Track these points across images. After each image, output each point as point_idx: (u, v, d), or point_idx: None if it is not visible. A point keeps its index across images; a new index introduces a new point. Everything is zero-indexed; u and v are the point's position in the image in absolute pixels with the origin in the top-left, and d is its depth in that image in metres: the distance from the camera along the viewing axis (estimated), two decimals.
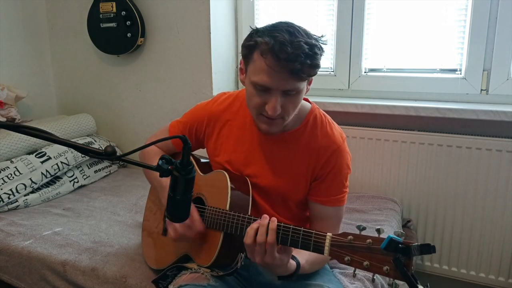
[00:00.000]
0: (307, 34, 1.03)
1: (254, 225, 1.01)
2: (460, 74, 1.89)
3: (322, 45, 1.06)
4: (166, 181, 1.26)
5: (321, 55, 1.04)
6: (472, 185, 1.82)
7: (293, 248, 1.01)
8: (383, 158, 1.96)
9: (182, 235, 1.15)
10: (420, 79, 1.96)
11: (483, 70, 1.82)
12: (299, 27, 1.04)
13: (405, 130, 1.92)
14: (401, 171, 1.94)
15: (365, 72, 2.07)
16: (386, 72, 2.03)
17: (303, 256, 1.09)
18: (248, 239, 1.00)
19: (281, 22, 1.06)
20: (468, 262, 1.90)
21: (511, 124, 1.73)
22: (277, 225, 0.99)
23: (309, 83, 1.12)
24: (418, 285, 0.79)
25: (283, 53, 0.98)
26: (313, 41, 1.02)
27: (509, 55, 1.77)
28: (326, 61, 2.12)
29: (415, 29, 1.92)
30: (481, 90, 1.84)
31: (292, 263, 1.04)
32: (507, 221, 1.79)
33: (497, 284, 1.86)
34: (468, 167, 1.81)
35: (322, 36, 1.07)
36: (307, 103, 1.23)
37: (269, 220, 1.00)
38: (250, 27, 1.11)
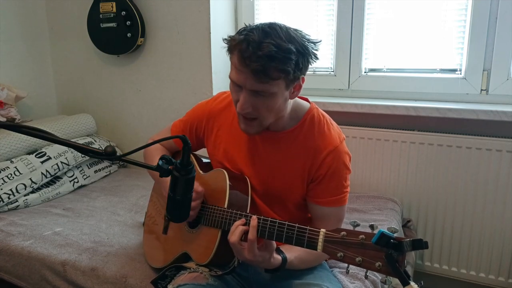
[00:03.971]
0: (288, 37, 0.99)
1: (238, 222, 1.04)
2: (460, 74, 1.89)
3: (314, 51, 1.04)
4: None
5: (298, 60, 1.00)
6: (472, 185, 1.82)
7: (276, 244, 1.02)
8: (383, 158, 1.96)
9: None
10: (420, 79, 1.95)
11: (483, 70, 1.82)
12: (284, 29, 1.01)
13: (405, 130, 1.92)
14: (401, 171, 1.94)
15: (365, 72, 2.07)
16: (386, 72, 2.03)
17: (293, 253, 1.09)
18: (233, 237, 1.02)
19: (269, 22, 1.04)
20: (468, 262, 1.90)
21: (511, 124, 1.73)
22: (271, 221, 1.00)
23: (296, 89, 1.09)
24: (410, 282, 0.78)
25: (246, 52, 0.98)
26: (290, 46, 0.98)
27: (509, 55, 1.77)
28: (326, 61, 2.12)
29: (415, 29, 1.92)
30: (481, 90, 1.84)
31: (277, 257, 1.05)
32: (507, 221, 1.79)
33: (497, 284, 1.86)
34: (468, 167, 1.81)
35: (319, 42, 1.05)
36: (305, 102, 1.22)
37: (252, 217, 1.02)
38: (244, 24, 1.11)
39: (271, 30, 1.00)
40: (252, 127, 1.11)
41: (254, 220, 1.01)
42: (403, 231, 1.84)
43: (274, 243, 1.02)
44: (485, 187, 1.80)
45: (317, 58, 1.06)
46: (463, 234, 1.88)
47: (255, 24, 1.06)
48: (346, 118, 1.99)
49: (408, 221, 1.91)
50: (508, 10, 1.73)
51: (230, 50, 1.05)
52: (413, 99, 1.96)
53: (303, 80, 1.09)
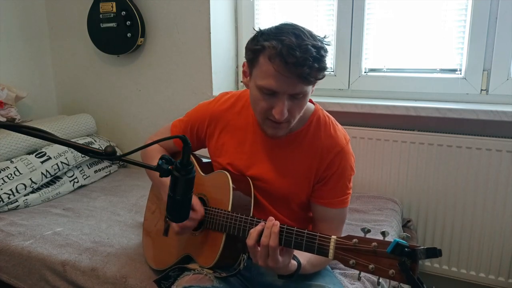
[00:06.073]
0: (313, 36, 1.02)
1: (258, 227, 1.00)
2: (460, 74, 1.89)
3: (326, 46, 1.05)
4: (166, 180, 1.26)
5: (326, 56, 1.04)
6: (472, 185, 1.82)
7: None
8: (383, 158, 1.96)
9: (184, 227, 1.16)
10: (420, 79, 1.95)
11: (483, 70, 1.82)
12: (303, 28, 1.03)
13: (405, 130, 1.92)
14: (401, 171, 1.94)
15: (365, 72, 2.07)
16: (386, 72, 2.03)
17: (304, 257, 1.08)
18: (250, 241, 0.99)
19: (286, 24, 1.04)
20: (468, 262, 1.90)
21: (511, 124, 1.73)
22: (281, 227, 0.99)
23: (313, 85, 1.11)
24: None
25: (291, 57, 0.96)
26: (319, 43, 1.01)
27: (509, 55, 1.77)
28: (326, 61, 2.12)
29: (415, 29, 1.92)
30: (481, 90, 1.84)
31: (293, 263, 1.04)
32: (507, 221, 1.79)
33: (497, 284, 1.86)
34: (468, 167, 1.81)
35: (325, 37, 1.06)
36: (310, 104, 1.22)
37: (273, 223, 0.99)
38: (254, 29, 1.09)
39: (297, 31, 1.00)
40: (282, 129, 1.10)
41: (276, 226, 0.98)
42: (403, 231, 1.84)
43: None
44: (485, 187, 1.80)
45: (327, 52, 1.06)
46: (463, 234, 1.88)
47: (269, 28, 1.05)
48: (346, 118, 1.99)
49: (408, 221, 1.91)
50: (508, 10, 1.73)
51: (269, 58, 0.99)
52: (413, 99, 1.96)
53: None
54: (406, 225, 1.90)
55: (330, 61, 2.12)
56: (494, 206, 1.80)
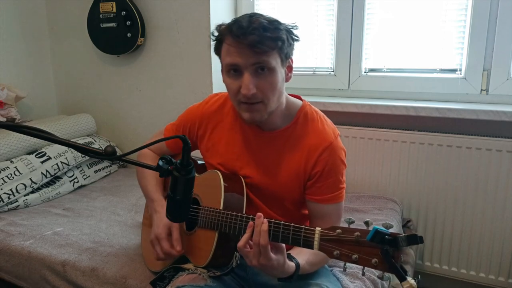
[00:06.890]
0: (271, 18, 1.07)
1: (248, 230, 1.01)
2: (460, 74, 1.89)
3: (293, 30, 1.09)
4: (154, 193, 1.30)
5: (286, 31, 1.07)
6: (472, 185, 1.82)
7: (286, 247, 1.00)
8: (383, 158, 1.96)
9: (161, 258, 1.22)
10: (420, 79, 1.95)
11: (483, 70, 1.82)
12: (265, 15, 1.08)
13: (405, 130, 1.92)
14: (401, 171, 1.94)
15: (365, 72, 2.07)
16: (386, 72, 2.03)
17: (303, 257, 1.08)
18: (240, 242, 1.00)
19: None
20: (468, 262, 1.90)
21: (511, 124, 1.73)
22: (268, 222, 0.99)
23: (289, 69, 1.13)
24: (407, 277, 0.78)
25: (239, 29, 1.02)
26: (274, 19, 1.06)
27: (509, 55, 1.77)
28: (326, 61, 2.13)
29: (415, 29, 1.92)
30: (481, 90, 1.84)
31: (291, 264, 1.03)
32: (507, 221, 1.79)
33: (497, 284, 1.86)
34: (468, 167, 1.81)
35: (294, 24, 1.11)
36: (298, 100, 1.22)
37: (262, 221, 1.00)
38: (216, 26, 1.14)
39: (253, 14, 1.07)
40: (257, 112, 1.09)
41: (264, 224, 0.98)
42: (403, 231, 1.84)
43: (283, 244, 1.00)
44: (485, 187, 1.80)
45: (298, 38, 1.11)
46: (463, 234, 1.88)
47: None
48: (346, 118, 1.99)
49: (408, 221, 1.91)
50: (508, 10, 1.73)
51: (221, 38, 1.08)
52: (413, 99, 1.96)
53: (292, 61, 1.14)
54: (406, 225, 1.90)
55: (330, 61, 2.12)
56: (494, 206, 1.80)
